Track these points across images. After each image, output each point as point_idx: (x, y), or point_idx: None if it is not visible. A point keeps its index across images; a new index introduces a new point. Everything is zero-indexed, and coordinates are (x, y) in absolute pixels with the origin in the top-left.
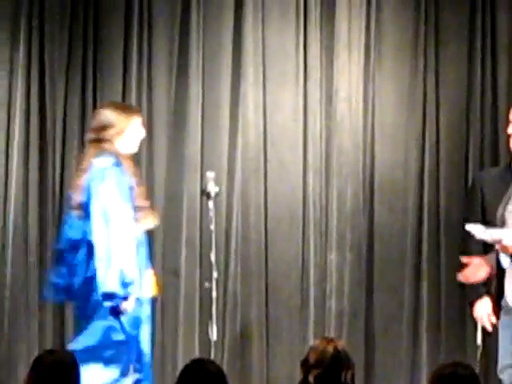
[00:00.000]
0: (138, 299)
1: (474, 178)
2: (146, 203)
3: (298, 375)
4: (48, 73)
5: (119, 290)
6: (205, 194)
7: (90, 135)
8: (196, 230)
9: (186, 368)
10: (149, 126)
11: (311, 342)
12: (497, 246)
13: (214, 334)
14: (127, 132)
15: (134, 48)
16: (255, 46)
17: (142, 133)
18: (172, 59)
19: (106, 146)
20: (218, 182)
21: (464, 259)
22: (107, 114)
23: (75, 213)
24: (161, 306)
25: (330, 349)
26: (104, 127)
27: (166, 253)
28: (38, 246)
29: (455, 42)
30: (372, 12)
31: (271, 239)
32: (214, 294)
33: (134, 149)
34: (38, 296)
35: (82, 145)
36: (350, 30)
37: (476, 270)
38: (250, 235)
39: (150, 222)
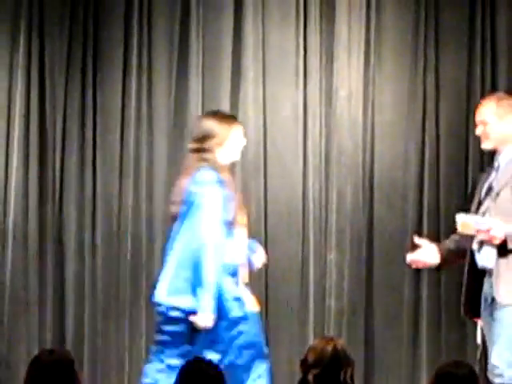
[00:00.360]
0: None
1: (474, 181)
2: (244, 216)
3: (297, 374)
4: (48, 74)
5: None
6: None
7: (191, 145)
8: None
9: (185, 367)
10: (149, 127)
11: (311, 340)
12: (481, 237)
13: None
14: (229, 141)
15: (134, 49)
16: (255, 46)
17: (243, 142)
18: (172, 60)
19: (207, 156)
20: None
21: (416, 240)
22: (209, 124)
23: (173, 222)
24: None
25: (329, 348)
26: (206, 137)
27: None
28: (38, 247)
29: (455, 43)
30: (372, 13)
31: (271, 237)
32: None
33: (236, 157)
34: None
35: (81, 146)
36: (349, 30)
37: (427, 255)
38: (249, 234)
39: (244, 234)
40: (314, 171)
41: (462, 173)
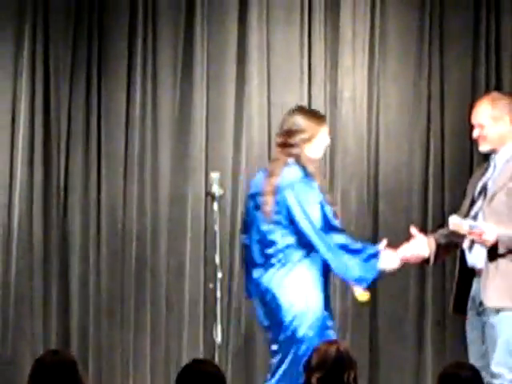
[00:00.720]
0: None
1: None
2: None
3: (301, 376)
4: (53, 74)
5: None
6: (209, 195)
7: (278, 139)
8: (201, 230)
9: (185, 368)
10: (153, 127)
11: None
12: (471, 237)
13: (218, 335)
14: (316, 139)
15: (139, 50)
16: (260, 47)
17: (328, 141)
18: (177, 61)
19: (294, 150)
20: (222, 184)
21: (412, 229)
22: (298, 119)
23: (266, 217)
24: (165, 307)
25: (333, 350)
26: (294, 132)
27: (171, 254)
28: (43, 246)
29: (460, 43)
30: (376, 13)
31: None
32: (219, 294)
33: (320, 155)
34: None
35: (86, 150)
36: (354, 31)
37: (417, 247)
38: None
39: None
40: None
41: (466, 173)
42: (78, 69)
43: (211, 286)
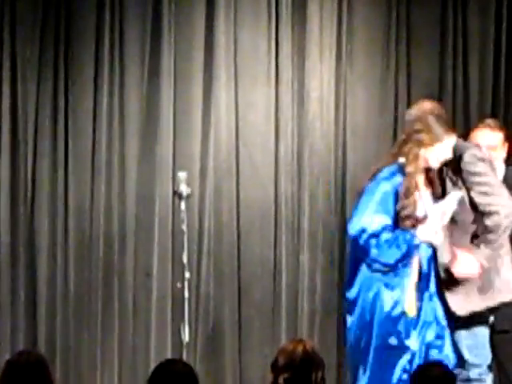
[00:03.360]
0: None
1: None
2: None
3: (270, 376)
4: (20, 73)
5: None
6: (177, 194)
7: (406, 130)
8: (168, 230)
9: (157, 368)
10: (120, 126)
11: (284, 342)
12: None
13: (186, 335)
14: (437, 146)
15: (106, 49)
16: (227, 46)
17: (448, 155)
18: (144, 59)
19: (411, 145)
20: (190, 183)
21: (455, 250)
22: (429, 119)
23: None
24: (133, 307)
25: (299, 350)
26: (420, 130)
27: (138, 253)
28: (10, 249)
29: (427, 40)
30: (343, 10)
31: (243, 240)
32: (187, 294)
33: (435, 165)
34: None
35: (53, 148)
36: (321, 31)
37: (468, 265)
38: (222, 236)
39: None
40: (285, 172)
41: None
42: (45, 68)
43: (179, 285)
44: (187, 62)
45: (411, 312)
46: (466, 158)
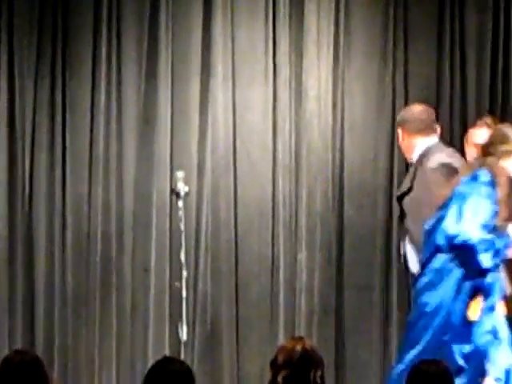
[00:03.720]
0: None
1: None
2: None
3: (268, 374)
4: (17, 70)
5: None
6: (174, 193)
7: (486, 145)
8: (166, 229)
9: (154, 367)
10: (118, 124)
11: (281, 340)
12: None
13: (184, 334)
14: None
15: (103, 46)
16: (224, 45)
17: None
18: (141, 57)
19: (490, 160)
20: (187, 181)
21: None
22: (505, 131)
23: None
24: (130, 306)
25: (299, 348)
26: (496, 142)
27: (136, 251)
28: (8, 246)
29: (424, 39)
30: (341, 9)
31: (241, 238)
32: (184, 293)
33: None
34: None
35: (51, 145)
36: (319, 30)
37: None
38: (219, 234)
39: None
40: (283, 170)
41: None
42: (43, 66)
43: (177, 284)
44: (185, 60)
45: (473, 317)
46: None
